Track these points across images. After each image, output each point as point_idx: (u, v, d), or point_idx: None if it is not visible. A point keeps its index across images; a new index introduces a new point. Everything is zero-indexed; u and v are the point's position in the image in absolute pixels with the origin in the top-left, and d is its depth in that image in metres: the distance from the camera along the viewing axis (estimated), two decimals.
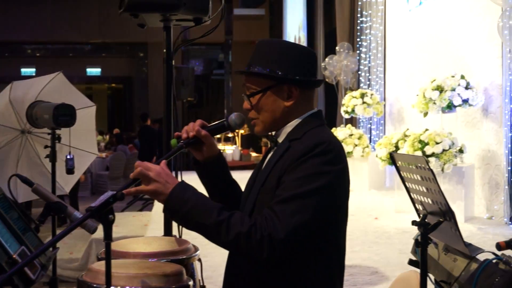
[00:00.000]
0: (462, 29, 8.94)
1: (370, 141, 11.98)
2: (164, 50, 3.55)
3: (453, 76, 8.09)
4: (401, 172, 3.21)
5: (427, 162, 2.80)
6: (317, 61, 2.31)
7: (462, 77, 8.09)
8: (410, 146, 7.66)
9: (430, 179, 2.81)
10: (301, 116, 2.26)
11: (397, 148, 8.48)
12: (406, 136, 8.35)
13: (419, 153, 7.54)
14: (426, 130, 7.87)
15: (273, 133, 2.31)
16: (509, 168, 7.49)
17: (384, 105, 11.97)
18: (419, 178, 2.97)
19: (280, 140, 2.26)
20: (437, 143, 7.51)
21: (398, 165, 3.20)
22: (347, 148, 10.84)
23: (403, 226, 7.44)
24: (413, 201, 3.19)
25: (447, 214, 2.76)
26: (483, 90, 8.22)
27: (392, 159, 3.29)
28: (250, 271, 2.12)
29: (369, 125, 12.88)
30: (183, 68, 15.30)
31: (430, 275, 3.14)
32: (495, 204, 8.01)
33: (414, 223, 2.97)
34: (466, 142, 8.24)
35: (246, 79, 2.26)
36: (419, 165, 2.92)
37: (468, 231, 7.33)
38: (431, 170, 2.78)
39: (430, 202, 2.94)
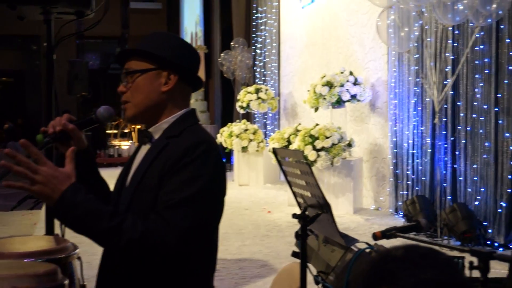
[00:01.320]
0: (351, 27, 9.23)
1: (266, 136, 12.16)
2: (45, 44, 3.43)
3: (342, 72, 8.35)
4: (283, 167, 3.29)
5: (305, 156, 2.88)
6: (199, 60, 2.30)
7: (351, 73, 8.36)
8: (301, 141, 7.83)
9: (308, 173, 2.89)
10: (177, 113, 2.22)
11: (289, 142, 8.65)
12: (298, 130, 8.53)
13: (309, 147, 7.72)
14: (317, 125, 8.07)
15: (147, 127, 2.26)
16: (394, 161, 7.82)
17: (279, 101, 12.16)
18: (299, 172, 3.06)
19: (156, 136, 2.21)
20: (326, 138, 7.72)
21: (279, 159, 3.28)
22: (242, 143, 10.95)
23: (294, 219, 7.58)
24: (294, 194, 3.27)
25: (324, 207, 2.85)
26: (371, 86, 8.53)
27: (274, 154, 3.36)
28: (125, 267, 2.10)
29: (264, 120, 13.06)
30: (77, 62, 14.86)
31: (311, 266, 3.24)
32: (381, 196, 8.34)
33: (294, 216, 3.05)
34: (354, 136, 8.53)
35: (127, 63, 2.20)
36: (298, 159, 3.01)
37: (356, 222, 7.59)
38: (308, 164, 2.86)
39: (310, 195, 3.03)
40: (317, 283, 3.07)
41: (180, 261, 2.06)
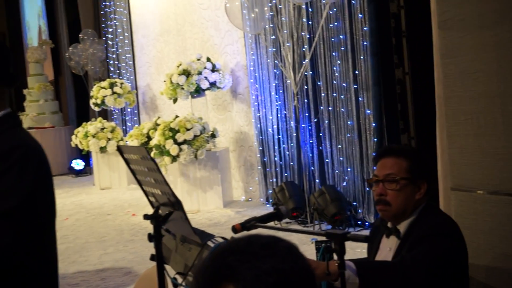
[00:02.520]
0: (204, 11, 9.23)
1: (126, 134, 11.91)
2: None
3: (198, 59, 8.33)
4: (131, 165, 3.22)
5: (148, 152, 2.84)
6: (9, 59, 2.18)
7: (208, 59, 8.37)
8: (161, 135, 7.76)
9: (154, 170, 2.85)
10: None
11: (149, 138, 8.54)
12: (157, 125, 8.44)
13: (170, 141, 7.66)
14: (176, 117, 8.02)
15: None
16: (260, 148, 7.93)
17: (136, 94, 11.97)
18: (146, 170, 3.01)
19: None
20: (188, 130, 7.69)
21: (126, 157, 3.20)
22: (100, 143, 10.69)
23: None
24: (146, 194, 3.22)
25: (176, 204, 2.82)
26: (230, 71, 8.59)
27: (119, 152, 3.28)
28: None
29: (123, 117, 12.81)
30: None
31: (170, 268, 3.20)
32: (251, 186, 8.45)
33: (145, 217, 2.99)
34: (218, 126, 8.56)
35: None
36: (143, 156, 2.96)
37: (227, 216, 7.65)
38: (154, 160, 2.82)
39: (160, 193, 2.99)
40: (175, 286, 3.04)
41: (8, 278, 1.96)
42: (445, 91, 4.24)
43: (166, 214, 2.92)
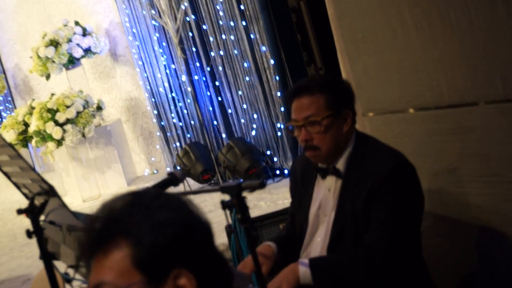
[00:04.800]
0: None
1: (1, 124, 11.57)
2: None
3: (65, 25, 8.12)
4: None
5: (2, 138, 2.75)
6: None
7: (77, 23, 8.17)
8: (39, 119, 7.56)
9: (16, 157, 2.77)
10: None
11: (26, 125, 8.30)
12: (32, 108, 8.21)
13: (51, 124, 7.47)
14: (52, 95, 7.84)
15: None
16: (156, 112, 7.86)
17: (6, 78, 11.60)
18: (8, 158, 2.92)
19: None
20: (68, 107, 7.52)
21: None
22: None
23: None
24: (17, 187, 3.14)
25: (49, 190, 2.76)
26: (105, 32, 8.43)
27: None
28: None
29: None
30: None
31: (61, 263, 3.15)
32: (153, 156, 8.40)
33: (19, 211, 2.91)
34: (104, 96, 8.43)
35: None
36: (1, 143, 2.86)
37: None
38: (11, 146, 2.74)
39: (30, 181, 2.92)
40: (68, 281, 3.00)
41: None
42: (337, 9, 4.29)
43: (41, 204, 2.85)
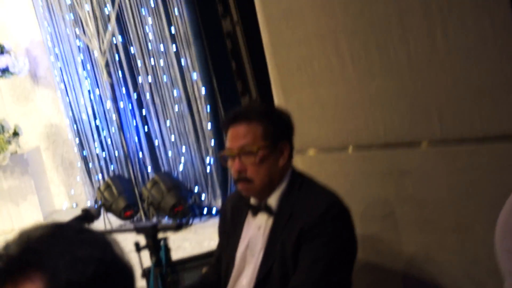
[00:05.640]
0: None
1: None
2: None
3: None
4: None
5: None
6: None
7: None
8: None
9: None
10: None
11: None
12: None
13: None
14: None
15: None
16: (78, 140, 7.75)
17: None
18: None
19: None
20: None
21: None
22: None
23: None
24: None
25: None
26: (25, 51, 8.31)
27: None
28: None
29: None
30: None
31: None
32: (73, 188, 8.28)
33: None
34: (22, 121, 8.28)
35: None
36: None
37: None
38: None
39: None
40: None
41: None
42: (271, 37, 4.29)
43: None
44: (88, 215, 2.88)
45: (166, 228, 2.42)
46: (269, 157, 2.66)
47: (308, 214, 2.60)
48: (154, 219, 6.31)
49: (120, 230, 2.44)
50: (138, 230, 2.48)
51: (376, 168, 3.42)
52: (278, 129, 2.71)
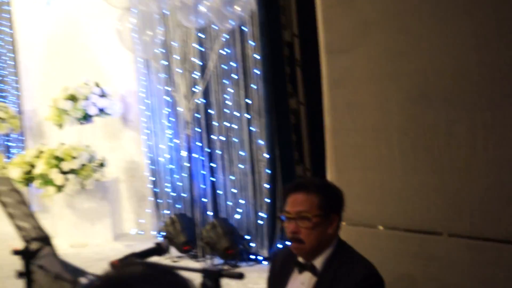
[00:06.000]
0: (95, 34, 9.15)
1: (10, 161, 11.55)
2: None
3: (86, 84, 8.23)
4: (1, 197, 3.15)
5: (12, 183, 2.80)
6: None
7: (97, 84, 8.28)
8: (46, 164, 7.59)
9: (21, 202, 2.81)
10: None
11: (33, 167, 8.31)
12: (41, 152, 8.24)
13: (55, 170, 7.51)
14: (62, 144, 7.88)
15: None
16: (152, 178, 7.88)
17: (22, 119, 11.65)
18: (15, 202, 2.96)
19: None
20: (74, 158, 7.56)
21: None
22: None
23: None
24: (18, 228, 3.15)
25: (44, 239, 2.79)
26: (120, 97, 8.53)
27: None
28: None
29: (7, 143, 12.44)
30: None
31: None
32: (142, 218, 8.37)
33: (15, 252, 2.93)
34: (108, 154, 8.44)
35: None
36: (12, 187, 2.91)
37: (116, 250, 7.53)
38: (19, 192, 2.78)
39: (30, 227, 2.94)
40: None
41: None
42: (334, 123, 4.39)
43: (37, 249, 2.87)
44: (160, 248, 2.90)
45: (230, 276, 2.42)
46: (320, 224, 2.73)
47: (348, 280, 2.65)
48: (208, 257, 6.33)
49: (190, 269, 2.43)
50: (205, 272, 2.47)
51: (407, 248, 3.47)
52: (331, 202, 2.78)
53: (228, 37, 6.26)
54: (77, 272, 3.00)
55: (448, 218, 3.21)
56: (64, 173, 7.56)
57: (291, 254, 2.86)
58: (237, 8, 5.70)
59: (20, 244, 7.89)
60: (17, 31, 11.77)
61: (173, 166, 7.50)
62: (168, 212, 7.63)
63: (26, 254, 2.86)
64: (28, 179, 8.29)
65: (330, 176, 4.39)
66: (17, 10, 11.73)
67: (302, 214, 2.72)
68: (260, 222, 6.30)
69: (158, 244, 2.93)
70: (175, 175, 7.47)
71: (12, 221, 3.15)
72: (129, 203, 8.62)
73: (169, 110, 7.47)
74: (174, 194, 7.52)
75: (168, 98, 7.45)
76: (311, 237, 2.72)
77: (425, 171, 3.48)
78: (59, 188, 7.60)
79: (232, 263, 6.15)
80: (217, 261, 6.25)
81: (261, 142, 6.25)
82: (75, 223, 7.96)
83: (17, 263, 7.19)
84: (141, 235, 8.27)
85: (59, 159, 7.60)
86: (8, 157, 11.82)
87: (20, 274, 2.82)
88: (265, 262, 6.20)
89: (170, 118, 7.46)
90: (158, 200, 7.84)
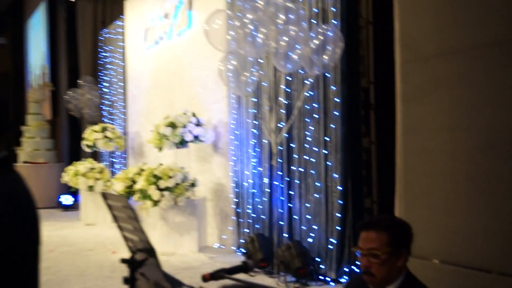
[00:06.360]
0: (194, 70, 9.37)
1: (113, 175, 11.90)
2: None
3: (185, 114, 8.42)
4: (113, 211, 3.24)
5: (126, 201, 2.88)
6: (8, 111, 2.20)
7: (194, 114, 8.46)
8: (145, 181, 7.77)
9: (133, 218, 2.88)
10: None
11: (134, 182, 8.53)
12: (142, 170, 8.45)
13: (153, 187, 7.68)
14: (161, 165, 8.06)
15: None
16: (236, 200, 7.95)
17: (126, 139, 12.00)
18: (126, 217, 3.04)
19: None
20: (170, 177, 7.72)
21: (109, 204, 3.23)
22: (88, 182, 10.67)
23: None
24: (125, 239, 3.24)
25: (150, 251, 2.85)
26: (213, 127, 8.67)
27: (103, 197, 3.31)
28: None
29: (112, 159, 12.83)
30: None
31: None
32: (224, 234, 8.44)
33: (122, 261, 3.00)
34: (198, 176, 8.59)
35: None
36: (124, 204, 2.99)
37: (200, 261, 7.61)
38: (133, 209, 2.85)
39: (137, 239, 3.01)
40: None
41: None
42: (405, 164, 4.35)
43: (142, 260, 2.93)
44: (246, 267, 2.93)
45: None
46: (390, 259, 2.70)
47: None
48: (282, 275, 6.31)
49: (265, 286, 2.46)
50: None
51: (463, 283, 3.39)
52: (400, 238, 2.75)
53: (312, 81, 6.29)
54: (175, 282, 3.04)
55: (504, 258, 3.13)
56: (160, 190, 7.72)
57: (363, 282, 2.83)
58: (325, 57, 5.74)
59: (119, 249, 8.14)
60: (128, 64, 12.19)
61: (255, 191, 7.55)
62: (248, 231, 7.67)
63: (132, 263, 2.92)
64: (129, 192, 8.51)
65: (398, 211, 4.34)
66: (129, 46, 12.15)
67: (373, 251, 2.70)
68: (330, 247, 6.26)
69: (245, 263, 2.96)
70: (256, 199, 7.51)
71: (121, 233, 3.23)
72: (214, 220, 8.71)
73: (255, 141, 7.54)
74: (254, 215, 7.55)
75: (254, 131, 7.53)
76: (381, 271, 2.70)
77: (487, 215, 3.41)
78: (155, 202, 7.76)
79: (303, 282, 6.12)
80: (290, 278, 6.22)
81: (335, 175, 6.22)
82: (166, 234, 8.10)
83: (115, 265, 7.42)
84: (223, 249, 8.33)
85: (157, 178, 7.77)
86: (112, 172, 12.19)
87: (126, 280, 2.88)
88: (332, 284, 6.14)
89: (256, 149, 7.52)
90: (240, 220, 7.89)
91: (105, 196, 3.26)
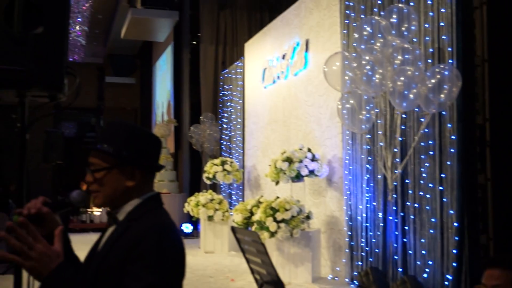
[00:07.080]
0: (309, 107, 9.45)
1: (231, 206, 12.16)
2: (19, 124, 3.44)
3: (301, 149, 8.47)
4: (241, 245, 3.32)
5: (259, 237, 2.95)
6: (161, 147, 2.35)
7: (309, 150, 8.50)
8: (263, 213, 7.87)
9: (263, 252, 2.94)
10: (141, 196, 2.25)
11: (252, 214, 8.66)
12: (259, 202, 8.57)
13: (270, 219, 7.76)
14: (277, 197, 8.13)
15: (113, 209, 2.28)
16: (349, 233, 7.86)
17: (243, 173, 12.22)
18: (255, 251, 3.10)
19: (120, 217, 2.23)
20: (286, 210, 7.77)
21: (238, 237, 3.32)
22: (208, 212, 10.94)
23: None
24: (252, 271, 3.30)
25: (278, 284, 2.89)
26: (327, 162, 8.66)
27: (233, 232, 3.40)
28: None
29: (230, 191, 13.09)
30: (53, 132, 14.84)
31: None
32: (337, 266, 8.34)
33: None
34: (312, 209, 8.58)
35: (92, 154, 2.26)
36: (254, 239, 3.06)
37: None
38: (263, 244, 2.91)
39: (265, 273, 3.07)
40: None
41: None
42: None
43: None
44: None
45: None
46: None
47: None
48: None
49: None
50: None
51: None
52: None
53: (428, 119, 6.16)
54: None
55: None
56: (277, 221, 7.78)
57: None
58: (442, 96, 5.62)
59: (237, 277, 8.25)
60: (246, 101, 12.49)
61: (368, 224, 7.43)
62: (361, 263, 7.54)
63: None
64: (247, 223, 8.64)
65: None
66: (248, 85, 12.46)
67: None
68: (446, 283, 6.03)
69: None
70: (370, 232, 7.38)
71: (249, 265, 3.30)
72: (327, 252, 8.64)
73: (369, 176, 7.45)
74: (368, 249, 7.41)
75: (369, 166, 7.44)
76: None
77: None
78: (272, 233, 7.82)
79: None
80: None
81: (451, 211, 6.02)
82: (281, 264, 8.12)
83: None
84: (336, 281, 8.23)
85: (274, 210, 7.84)
86: (230, 203, 12.44)
87: None
88: None
89: (370, 184, 7.42)
90: (353, 252, 7.76)
91: (234, 230, 3.35)
